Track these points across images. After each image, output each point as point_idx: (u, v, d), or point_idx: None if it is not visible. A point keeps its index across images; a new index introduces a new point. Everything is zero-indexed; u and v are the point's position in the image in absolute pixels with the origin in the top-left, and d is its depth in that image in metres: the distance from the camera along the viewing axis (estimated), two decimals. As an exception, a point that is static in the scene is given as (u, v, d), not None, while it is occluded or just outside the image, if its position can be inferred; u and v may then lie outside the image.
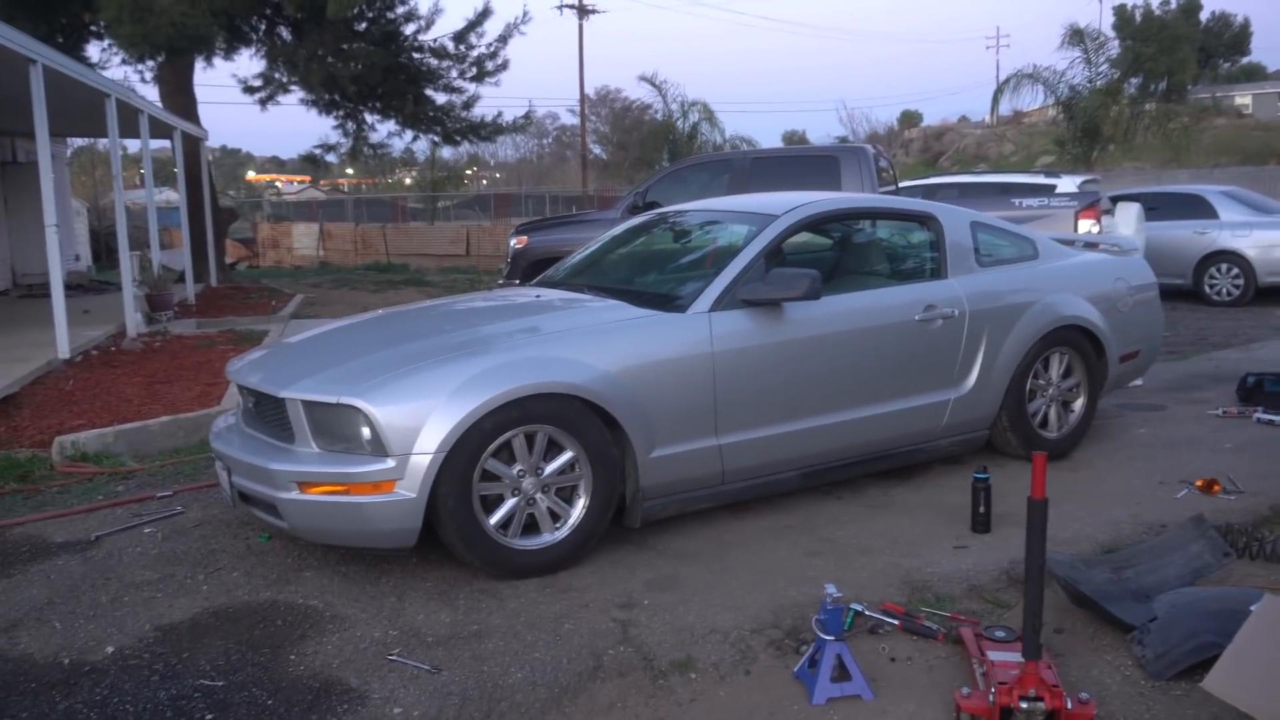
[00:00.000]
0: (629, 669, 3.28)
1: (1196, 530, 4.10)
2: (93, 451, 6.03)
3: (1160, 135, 26.49)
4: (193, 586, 4.01)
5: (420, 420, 3.74)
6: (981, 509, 4.45)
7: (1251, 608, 2.98)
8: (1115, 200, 12.48)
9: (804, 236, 5.45)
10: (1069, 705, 2.85)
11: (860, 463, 4.93)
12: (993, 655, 3.14)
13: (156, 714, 3.04)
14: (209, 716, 3.02)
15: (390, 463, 3.72)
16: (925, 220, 5.40)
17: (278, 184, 65.22)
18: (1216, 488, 4.95)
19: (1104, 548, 4.25)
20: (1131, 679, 3.20)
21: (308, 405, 3.89)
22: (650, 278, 5.49)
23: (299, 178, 63.88)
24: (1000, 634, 3.30)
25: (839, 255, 5.75)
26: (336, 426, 3.85)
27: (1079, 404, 5.65)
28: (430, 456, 3.72)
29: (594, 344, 4.15)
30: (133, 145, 13.15)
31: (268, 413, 4.18)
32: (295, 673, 3.27)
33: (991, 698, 2.88)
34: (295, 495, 3.81)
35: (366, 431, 3.77)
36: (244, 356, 4.75)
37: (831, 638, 3.14)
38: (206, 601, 3.86)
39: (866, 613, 3.54)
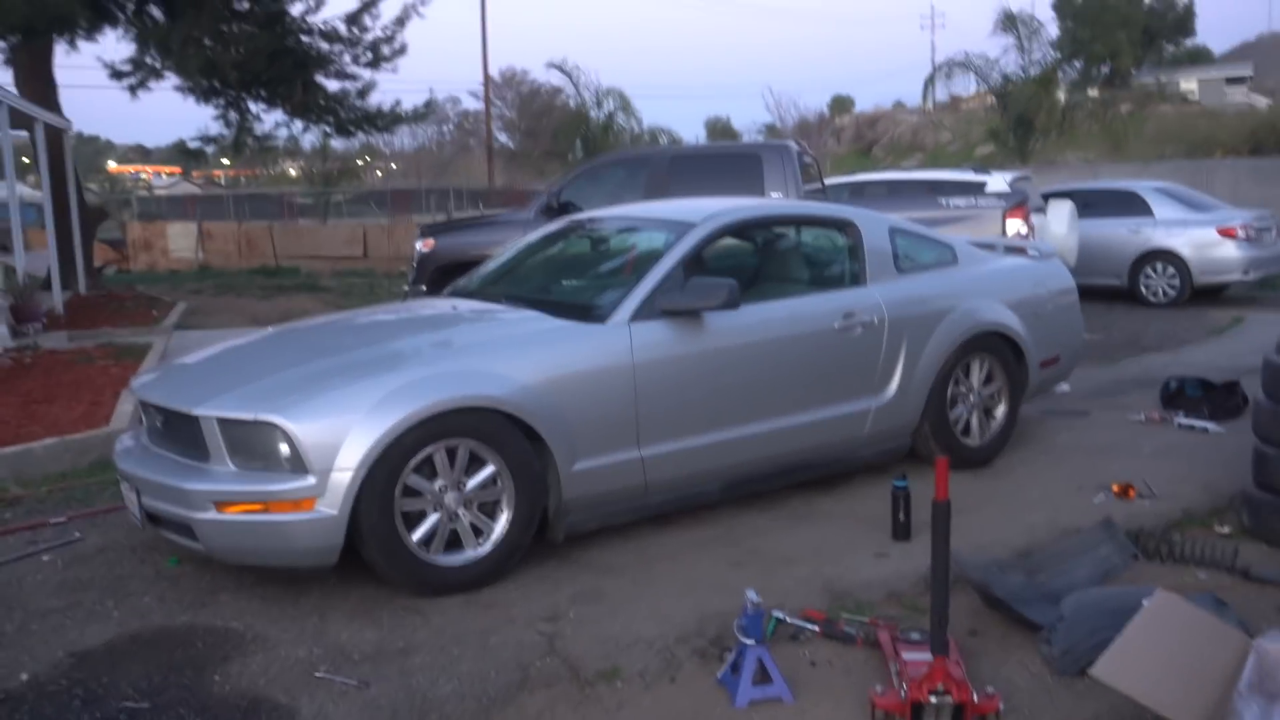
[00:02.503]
0: (556, 679, 3.67)
1: (1106, 533, 4.64)
2: (-30, 478, 6.20)
3: (1101, 124, 27.63)
4: (103, 613, 4.28)
5: (340, 436, 4.07)
6: (902, 517, 4.92)
7: (1144, 602, 3.48)
8: (1047, 198, 13.19)
9: (726, 242, 5.89)
10: (975, 699, 3.32)
11: (783, 473, 5.38)
12: (907, 655, 3.60)
13: (82, 737, 3.35)
14: (136, 737, 3.34)
15: (310, 480, 4.04)
16: (844, 226, 5.87)
17: (144, 176, 63.97)
18: (1132, 492, 5.50)
19: (1019, 552, 4.75)
20: (1039, 676, 3.70)
21: (223, 423, 4.19)
22: (569, 287, 5.89)
23: (168, 169, 62.77)
24: (915, 636, 3.75)
25: (760, 262, 6.21)
26: (254, 444, 4.16)
27: (1000, 410, 6.17)
28: (351, 473, 4.05)
29: (513, 356, 4.53)
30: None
31: (178, 431, 4.46)
32: (221, 692, 3.59)
33: (903, 694, 3.34)
34: (212, 515, 4.10)
35: (285, 448, 4.09)
36: (148, 372, 5.02)
37: (752, 642, 3.56)
38: (120, 627, 4.14)
39: (788, 620, 3.98)
